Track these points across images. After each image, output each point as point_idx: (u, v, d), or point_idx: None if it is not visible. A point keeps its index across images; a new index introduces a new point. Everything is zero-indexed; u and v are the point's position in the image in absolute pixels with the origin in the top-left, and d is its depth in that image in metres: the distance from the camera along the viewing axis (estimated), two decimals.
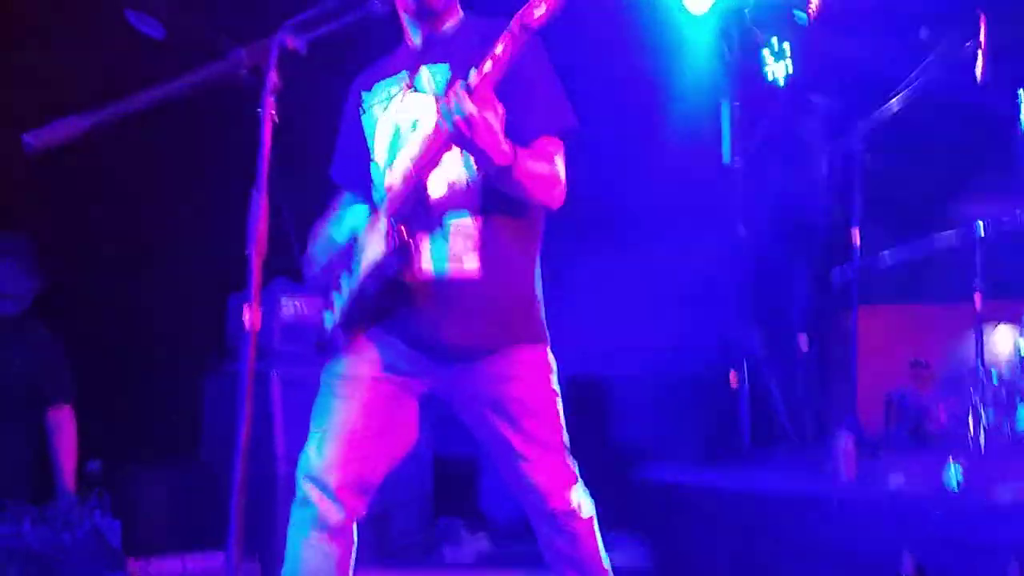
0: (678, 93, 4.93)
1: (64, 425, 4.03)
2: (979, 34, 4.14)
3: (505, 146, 2.15)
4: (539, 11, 2.06)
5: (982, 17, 4.12)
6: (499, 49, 2.10)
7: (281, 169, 2.05)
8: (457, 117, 2.08)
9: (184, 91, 2.01)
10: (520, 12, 2.08)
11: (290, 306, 4.18)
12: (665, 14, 5.02)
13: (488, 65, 2.10)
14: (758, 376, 4.51)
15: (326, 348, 2.44)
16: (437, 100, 2.21)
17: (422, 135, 2.30)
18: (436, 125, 2.21)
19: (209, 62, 2.05)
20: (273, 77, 1.99)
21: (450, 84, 2.19)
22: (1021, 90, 4.07)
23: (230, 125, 2.65)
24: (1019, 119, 4.08)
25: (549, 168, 2.32)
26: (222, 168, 3.34)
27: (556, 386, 2.43)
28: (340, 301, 2.43)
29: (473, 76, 2.10)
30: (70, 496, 3.87)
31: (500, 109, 2.14)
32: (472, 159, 2.27)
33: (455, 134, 2.12)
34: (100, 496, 3.66)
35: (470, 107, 2.08)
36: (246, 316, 1.91)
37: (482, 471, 4.90)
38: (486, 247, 2.33)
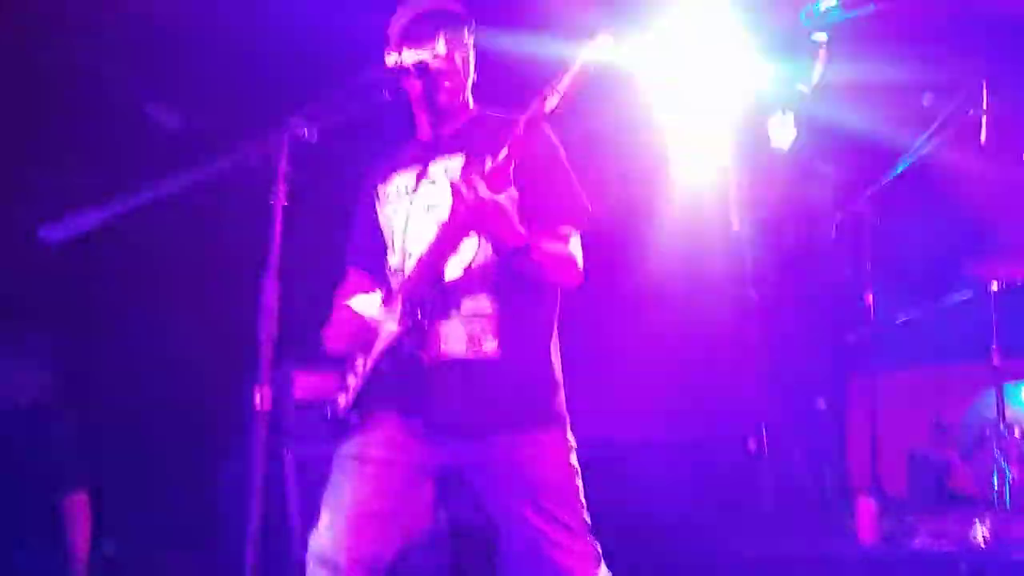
0: (684, 162, 4.99)
1: (79, 513, 4.04)
2: (982, 101, 4.20)
3: (520, 228, 2.20)
4: (551, 103, 2.13)
5: (984, 85, 4.19)
6: (512, 140, 2.16)
7: (294, 252, 2.10)
8: (472, 201, 2.13)
9: (199, 181, 2.06)
10: (532, 105, 2.14)
11: (304, 385, 4.19)
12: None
13: (503, 154, 2.17)
14: (777, 440, 4.47)
15: (339, 428, 2.45)
16: (453, 187, 2.26)
17: (437, 222, 2.33)
18: (451, 212, 2.25)
19: (223, 151, 2.11)
20: (283, 166, 2.04)
21: (465, 172, 2.25)
22: None
23: (244, 210, 2.71)
24: None
25: (565, 250, 2.36)
26: (236, 252, 3.39)
27: (576, 465, 2.42)
28: (354, 381, 2.44)
29: (488, 163, 2.17)
30: None
31: (514, 193, 2.20)
32: (489, 243, 2.31)
33: (471, 217, 2.17)
34: None
35: (484, 192, 2.13)
36: (257, 397, 1.93)
37: (501, 547, 4.84)
38: (504, 329, 2.35)
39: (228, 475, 4.33)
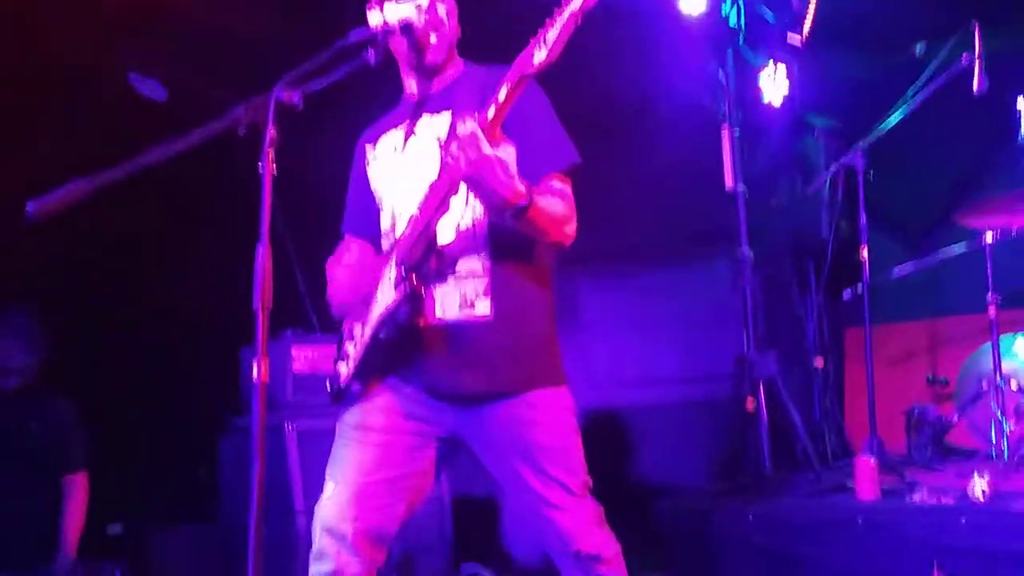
0: (676, 120, 4.95)
1: (76, 491, 4.04)
2: (974, 45, 4.15)
3: (520, 185, 2.15)
4: (539, 56, 2.06)
5: (976, 27, 4.13)
6: (501, 94, 2.11)
7: (287, 220, 2.07)
8: (469, 159, 2.08)
9: (184, 150, 2.02)
10: (520, 57, 2.09)
11: (302, 357, 4.17)
12: (658, 38, 5.03)
13: (492, 110, 2.11)
14: (775, 399, 4.47)
15: (340, 398, 2.44)
16: (442, 145, 2.21)
17: (428, 182, 2.31)
18: (441, 169, 2.22)
19: (209, 120, 2.07)
20: (271, 132, 2.00)
21: (453, 127, 2.19)
22: (1020, 98, 4.06)
23: (234, 180, 2.67)
24: (1019, 127, 4.07)
25: (561, 205, 2.33)
26: (227, 223, 3.35)
27: (576, 426, 2.42)
28: (353, 350, 2.43)
29: (480, 119, 2.10)
30: (68, 561, 3.87)
31: (511, 149, 2.14)
32: (481, 204, 2.27)
33: (468, 176, 2.11)
34: (112, 573, 3.65)
35: (484, 146, 2.08)
36: (255, 369, 1.90)
37: (503, 512, 4.86)
38: (498, 291, 2.33)
39: (229, 450, 4.32)
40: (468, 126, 2.09)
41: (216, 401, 4.37)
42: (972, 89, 4.14)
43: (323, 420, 2.57)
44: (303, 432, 3.93)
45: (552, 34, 2.05)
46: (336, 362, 2.48)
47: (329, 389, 2.47)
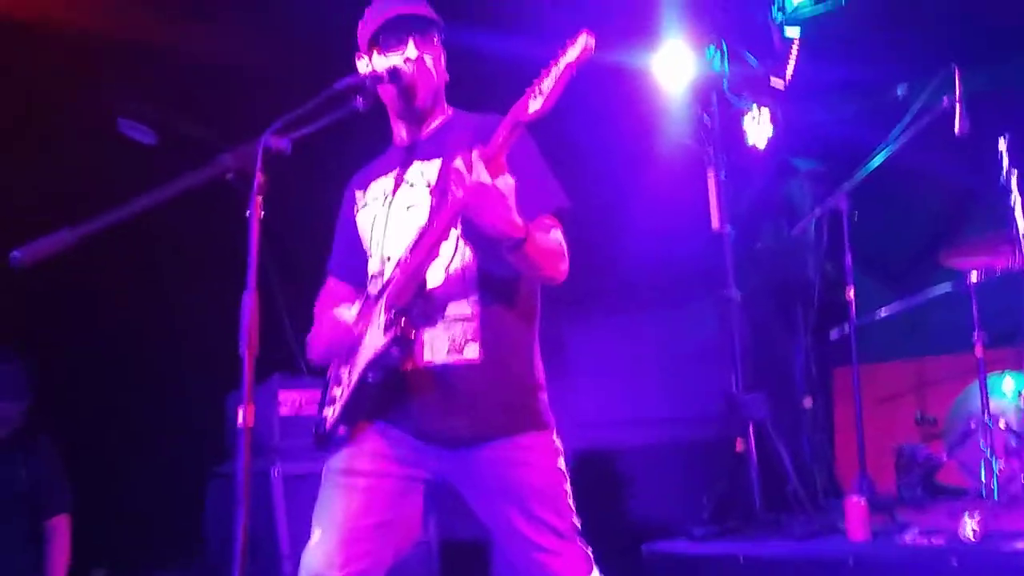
0: (662, 164, 5.00)
1: (59, 534, 4.02)
2: (955, 87, 4.21)
3: (518, 218, 2.14)
4: (535, 105, 2.08)
5: (956, 70, 4.19)
6: (496, 140, 2.12)
7: (274, 265, 2.07)
8: (471, 185, 2.07)
9: (172, 198, 2.03)
10: (516, 106, 2.10)
11: (289, 401, 4.15)
12: (645, 88, 5.11)
13: (488, 150, 2.11)
14: (764, 440, 4.46)
15: (326, 443, 2.42)
16: (432, 189, 2.21)
17: (417, 227, 2.31)
18: (432, 213, 2.23)
19: (197, 166, 2.08)
20: (259, 179, 2.01)
21: (447, 165, 2.18)
22: (1001, 139, 4.11)
23: (221, 226, 2.68)
24: (1000, 167, 4.11)
25: (555, 241, 2.33)
26: (215, 268, 3.35)
27: (564, 469, 2.40)
28: (339, 394, 2.41)
29: (483, 150, 2.10)
30: None
31: (510, 180, 2.13)
32: (476, 239, 2.25)
33: (469, 204, 2.09)
34: None
35: (485, 175, 2.07)
36: (240, 415, 1.89)
37: (492, 557, 4.82)
38: (486, 334, 2.33)
39: (215, 494, 4.28)
40: (469, 156, 2.09)
41: (203, 446, 4.34)
42: (954, 130, 4.19)
43: (310, 464, 2.55)
44: (289, 476, 3.90)
45: (547, 84, 2.07)
46: (321, 406, 2.47)
47: (315, 434, 2.46)
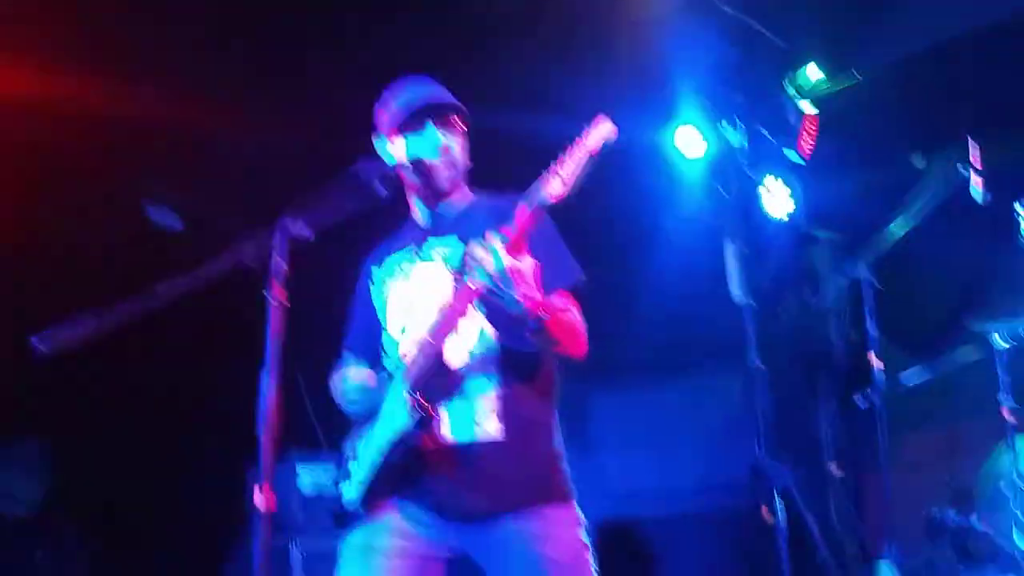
0: (679, 237, 5.04)
1: None
2: (971, 157, 4.25)
3: (539, 296, 2.17)
4: (555, 190, 2.11)
5: (969, 141, 4.24)
6: (518, 223, 2.15)
7: (296, 344, 2.11)
8: (495, 269, 2.10)
9: (197, 285, 2.08)
10: (537, 188, 2.14)
11: (309, 477, 4.14)
12: (661, 160, 5.18)
13: (511, 231, 2.15)
14: (792, 509, 4.41)
15: (345, 519, 2.43)
16: (453, 272, 2.24)
17: (436, 304, 2.34)
18: (453, 293, 2.26)
19: (220, 251, 2.13)
20: (280, 264, 2.06)
21: (470, 246, 2.21)
22: (1017, 204, 4.13)
23: (246, 307, 2.74)
24: (1019, 231, 4.13)
25: (575, 318, 2.35)
26: (239, 351, 3.40)
27: (587, 541, 2.40)
28: (358, 471, 2.43)
29: (504, 232, 2.14)
30: None
31: (532, 260, 2.16)
32: (500, 318, 2.28)
33: (492, 287, 2.12)
34: None
35: (508, 259, 2.11)
36: (258, 497, 1.92)
37: None
38: (507, 410, 2.35)
39: (234, 574, 4.25)
40: (492, 238, 2.13)
41: (222, 525, 4.33)
42: (972, 196, 4.22)
43: (331, 541, 2.55)
44: (310, 554, 3.88)
45: (568, 169, 2.11)
46: (338, 483, 2.48)
47: (334, 512, 2.47)
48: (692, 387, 5.46)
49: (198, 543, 4.50)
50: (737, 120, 5.04)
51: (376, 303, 2.61)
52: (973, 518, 4.43)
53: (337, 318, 2.74)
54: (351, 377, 2.55)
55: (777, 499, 4.42)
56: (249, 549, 4.08)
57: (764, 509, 4.41)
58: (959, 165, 4.28)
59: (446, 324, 2.29)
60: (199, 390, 4.76)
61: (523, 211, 2.15)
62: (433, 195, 2.55)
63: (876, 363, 4.43)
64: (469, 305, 2.26)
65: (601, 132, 2.14)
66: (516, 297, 2.12)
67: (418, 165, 2.44)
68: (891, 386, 4.58)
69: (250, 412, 2.03)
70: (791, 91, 4.91)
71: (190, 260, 2.15)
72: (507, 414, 2.35)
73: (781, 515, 4.39)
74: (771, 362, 4.83)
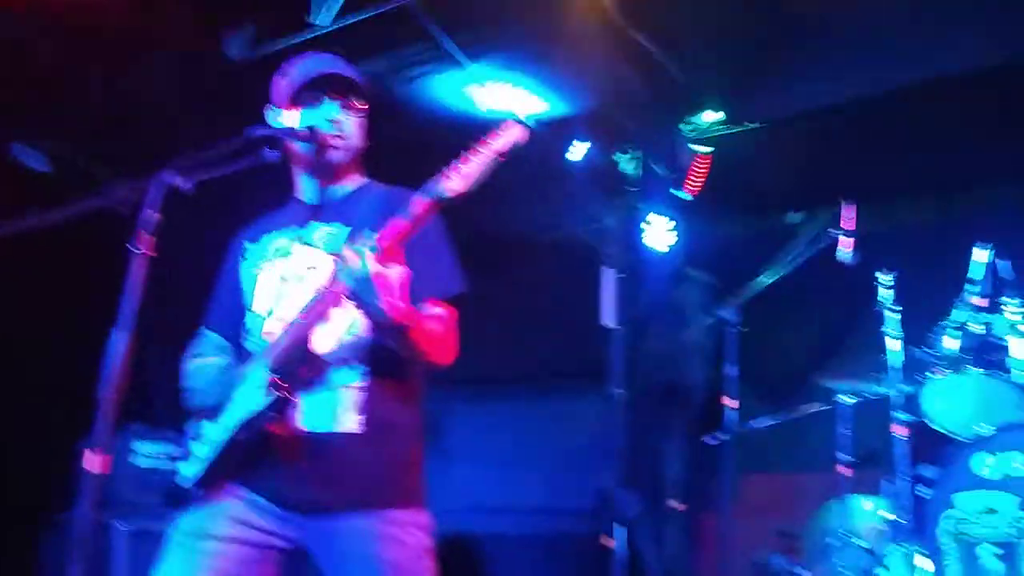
0: (559, 257, 5.08)
1: None
2: (843, 221, 4.42)
3: (403, 305, 2.13)
4: (456, 186, 2.08)
5: (843, 203, 4.41)
6: (408, 217, 2.11)
7: (152, 311, 1.98)
8: (360, 275, 2.07)
9: (57, 223, 1.93)
10: (433, 184, 2.10)
11: (145, 454, 3.99)
12: (548, 176, 5.20)
13: (396, 229, 2.11)
14: (634, 539, 4.46)
15: (178, 498, 2.31)
16: (336, 257, 2.17)
17: (311, 289, 2.27)
18: (330, 281, 2.19)
19: (89, 196, 1.99)
20: (149, 213, 1.93)
21: (351, 242, 2.17)
22: (878, 273, 4.32)
23: (101, 261, 2.57)
24: (876, 297, 4.32)
25: (443, 328, 2.32)
26: (86, 305, 3.20)
27: (431, 548, 2.34)
28: (201, 448, 2.31)
29: (379, 238, 2.10)
30: None
31: (405, 271, 2.13)
32: (365, 317, 2.23)
33: (355, 291, 2.10)
34: None
35: (375, 266, 2.07)
36: (89, 459, 1.77)
37: None
38: (369, 405, 2.28)
39: (50, 549, 4.02)
40: (364, 240, 2.09)
41: (50, 495, 4.08)
42: (837, 258, 4.39)
43: (161, 522, 2.40)
44: (136, 532, 3.73)
45: (472, 167, 2.08)
46: (176, 459, 2.35)
47: (167, 490, 2.33)
48: (552, 408, 5.49)
49: (14, 511, 4.24)
50: (632, 151, 5.13)
51: (244, 281, 2.50)
52: (798, 568, 4.57)
53: (203, 290, 2.60)
54: (205, 362, 2.41)
55: (618, 528, 4.47)
56: (67, 519, 3.89)
57: (605, 537, 4.45)
58: (830, 229, 4.45)
59: (318, 310, 2.22)
60: (39, 339, 4.49)
61: (418, 202, 2.11)
62: (322, 172, 2.47)
63: (730, 403, 4.53)
64: (343, 296, 2.19)
65: (511, 134, 2.12)
66: (379, 304, 2.09)
67: (310, 136, 2.35)
68: (741, 428, 4.70)
69: (95, 372, 1.88)
70: (686, 130, 5.02)
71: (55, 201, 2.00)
72: (368, 409, 2.28)
73: (620, 544, 4.44)
74: (631, 390, 4.90)
